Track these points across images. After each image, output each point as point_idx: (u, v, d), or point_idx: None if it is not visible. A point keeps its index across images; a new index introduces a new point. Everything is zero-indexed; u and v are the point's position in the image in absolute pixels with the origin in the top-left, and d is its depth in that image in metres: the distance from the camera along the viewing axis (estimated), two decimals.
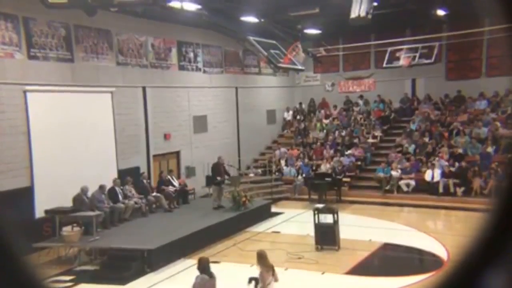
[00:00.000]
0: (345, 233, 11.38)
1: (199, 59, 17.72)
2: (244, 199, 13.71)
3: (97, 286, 9.52)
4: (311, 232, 11.44)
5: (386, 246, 11.56)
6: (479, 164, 15.86)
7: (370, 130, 19.97)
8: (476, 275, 0.85)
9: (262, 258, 7.03)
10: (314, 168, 18.21)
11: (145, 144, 15.36)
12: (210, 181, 15.06)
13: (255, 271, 10.08)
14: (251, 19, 15.66)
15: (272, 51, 14.96)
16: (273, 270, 6.92)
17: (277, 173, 18.57)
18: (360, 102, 21.72)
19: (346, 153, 18.53)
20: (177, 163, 16.76)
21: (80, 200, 11.52)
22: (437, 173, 15.97)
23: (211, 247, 11.58)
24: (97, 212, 11.41)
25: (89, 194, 11.84)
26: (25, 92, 11.63)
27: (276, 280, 6.91)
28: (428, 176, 16.12)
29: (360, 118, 20.85)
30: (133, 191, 13.23)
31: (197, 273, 7.05)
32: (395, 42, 17.94)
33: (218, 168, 14.24)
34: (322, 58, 20.19)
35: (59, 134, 12.18)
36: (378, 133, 19.72)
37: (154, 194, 13.80)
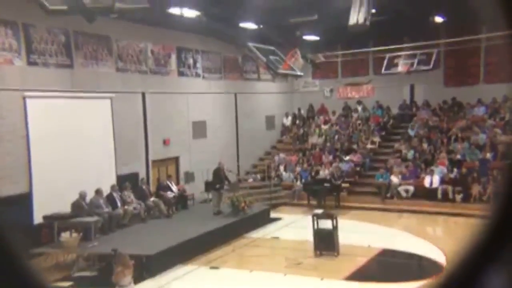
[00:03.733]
0: (344, 238, 11.37)
1: (198, 65, 17.77)
2: (243, 204, 13.71)
3: None
4: (310, 237, 11.42)
5: (385, 252, 11.55)
6: (478, 170, 15.88)
7: (368, 136, 20.00)
8: (475, 279, 0.86)
9: (119, 258, 7.28)
10: (313, 173, 18.22)
11: (144, 150, 15.36)
12: (209, 186, 15.06)
13: (254, 277, 10.09)
14: (250, 25, 15.74)
15: (271, 57, 15.02)
16: (132, 273, 7.19)
17: (276, 179, 18.57)
18: (359, 108, 21.77)
19: (345, 158, 18.54)
20: (176, 168, 16.76)
21: (78, 206, 11.50)
22: (436, 179, 15.98)
23: (210, 252, 11.57)
24: (95, 218, 11.40)
25: (88, 199, 11.83)
26: (24, 98, 11.64)
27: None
28: (427, 182, 16.13)
29: (359, 124, 20.89)
30: (132, 197, 13.22)
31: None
32: (393, 49, 18.02)
33: (218, 174, 14.25)
34: (320, 64, 20.25)
35: (58, 140, 12.18)
36: (376, 139, 19.74)
37: (153, 199, 13.80)
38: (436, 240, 12.49)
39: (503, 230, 0.88)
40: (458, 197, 15.46)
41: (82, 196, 11.62)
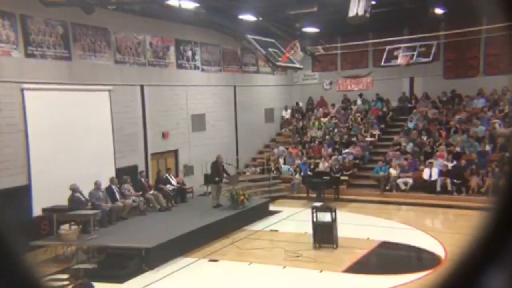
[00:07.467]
0: (343, 231, 11.39)
1: (197, 57, 17.69)
2: (242, 197, 13.71)
3: (95, 284, 9.50)
4: (309, 230, 11.45)
5: (384, 244, 11.57)
6: (477, 163, 15.90)
7: (368, 128, 19.99)
8: (476, 274, 0.85)
9: None
10: (312, 166, 18.21)
11: (143, 143, 15.33)
12: (208, 179, 15.05)
13: (254, 269, 10.12)
14: (249, 17, 15.64)
15: (270, 49, 14.93)
16: None
17: (275, 172, 18.57)
18: (358, 100, 21.74)
19: (344, 151, 18.54)
20: (175, 161, 16.74)
21: (74, 200, 11.43)
22: (435, 171, 15.99)
23: (209, 245, 11.59)
24: (94, 211, 11.39)
25: (85, 192, 11.78)
26: (22, 90, 11.59)
27: None
28: (425, 174, 16.14)
29: (358, 117, 20.86)
30: (131, 190, 13.21)
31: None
32: (393, 41, 17.94)
33: (217, 167, 14.23)
34: (320, 57, 20.18)
35: (56, 132, 12.15)
36: (376, 131, 19.73)
37: (152, 192, 13.79)
38: (435, 232, 12.52)
39: (504, 224, 0.86)
40: (462, 193, 15.42)
41: (74, 190, 11.50)
